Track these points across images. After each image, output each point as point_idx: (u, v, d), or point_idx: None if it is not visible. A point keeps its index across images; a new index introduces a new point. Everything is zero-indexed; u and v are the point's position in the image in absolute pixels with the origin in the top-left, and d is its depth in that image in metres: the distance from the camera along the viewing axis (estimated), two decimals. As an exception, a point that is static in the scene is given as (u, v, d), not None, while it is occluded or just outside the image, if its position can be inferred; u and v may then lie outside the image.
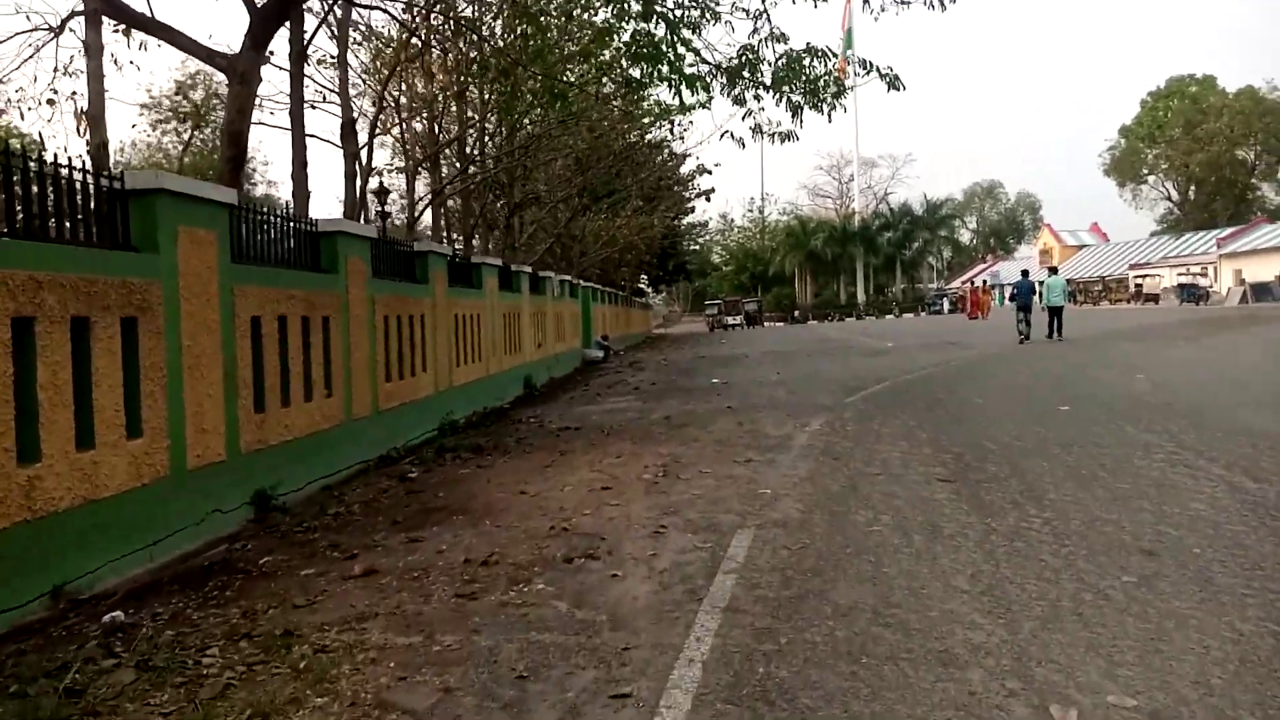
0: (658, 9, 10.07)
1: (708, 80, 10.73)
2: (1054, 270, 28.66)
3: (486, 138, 21.26)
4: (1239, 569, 4.68)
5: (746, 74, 10.49)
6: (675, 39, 10.09)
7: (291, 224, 9.20)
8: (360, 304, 10.16)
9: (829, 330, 43.94)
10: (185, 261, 6.86)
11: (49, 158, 5.62)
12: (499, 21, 15.76)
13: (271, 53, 13.91)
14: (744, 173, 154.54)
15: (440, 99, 17.29)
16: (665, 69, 9.99)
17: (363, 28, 17.12)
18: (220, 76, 13.14)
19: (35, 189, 5.42)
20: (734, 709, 3.38)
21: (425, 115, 18.72)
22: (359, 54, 17.88)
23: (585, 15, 14.70)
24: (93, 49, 13.07)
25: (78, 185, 5.75)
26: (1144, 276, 62.94)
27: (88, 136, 13.17)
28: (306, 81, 15.94)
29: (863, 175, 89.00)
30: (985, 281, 62.69)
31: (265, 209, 9.00)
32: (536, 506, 6.92)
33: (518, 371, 17.96)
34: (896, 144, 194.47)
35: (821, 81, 10.24)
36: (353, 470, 9.46)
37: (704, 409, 12.83)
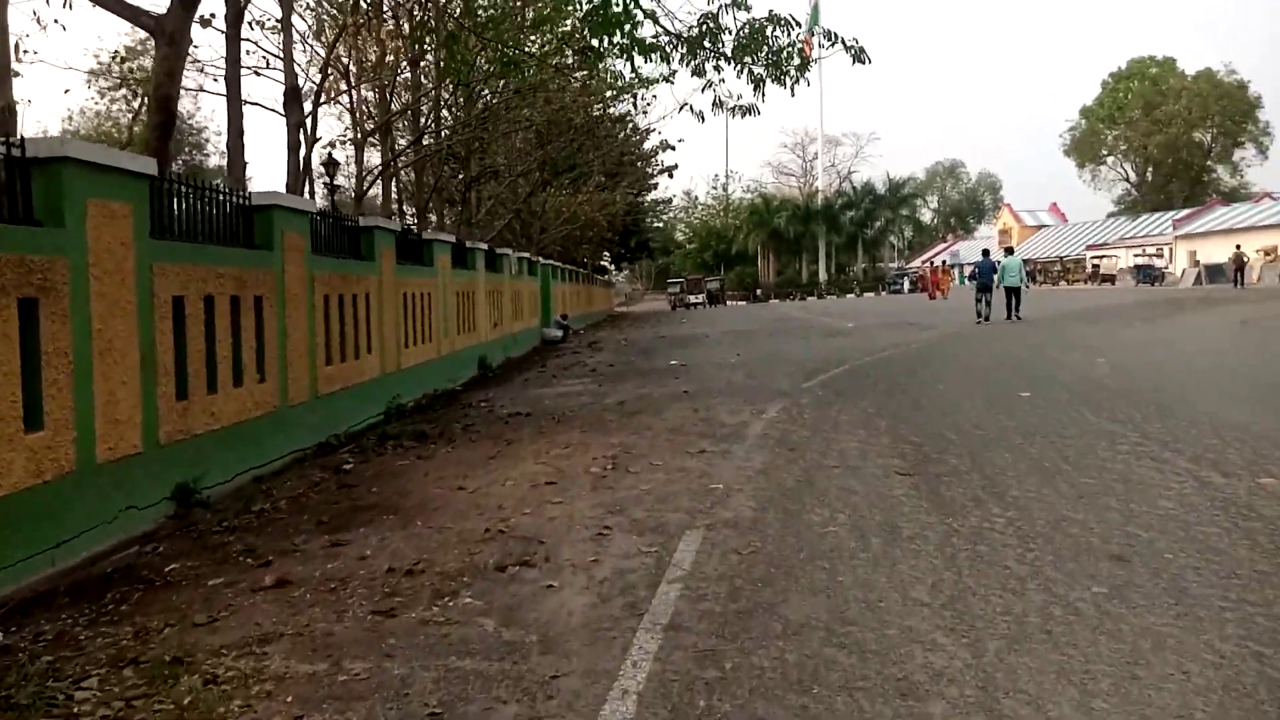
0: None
1: (667, 50, 10.26)
2: (1010, 251, 28.62)
3: (443, 108, 20.58)
4: (1214, 577, 4.40)
5: (707, 44, 10.03)
6: (634, 4, 9.60)
7: (221, 196, 8.62)
8: (298, 282, 9.62)
9: (791, 309, 43.76)
10: (96, 237, 6.30)
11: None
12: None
13: (212, 15, 13.20)
14: (709, 150, 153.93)
15: (391, 65, 16.59)
16: (620, 37, 9.52)
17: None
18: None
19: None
20: (669, 753, 3.02)
21: (375, 83, 17.99)
22: (306, 18, 17.11)
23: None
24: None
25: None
26: (1101, 257, 63.56)
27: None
28: (250, 47, 15.23)
29: (827, 153, 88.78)
30: (945, 261, 62.96)
31: (194, 180, 8.43)
32: (474, 504, 6.49)
33: (471, 352, 17.45)
34: (861, 122, 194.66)
35: (785, 53, 9.82)
36: (288, 460, 8.96)
37: (660, 393, 12.45)
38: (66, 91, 36.60)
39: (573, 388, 14.04)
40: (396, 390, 12.32)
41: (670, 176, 36.68)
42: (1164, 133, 75.47)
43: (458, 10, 11.32)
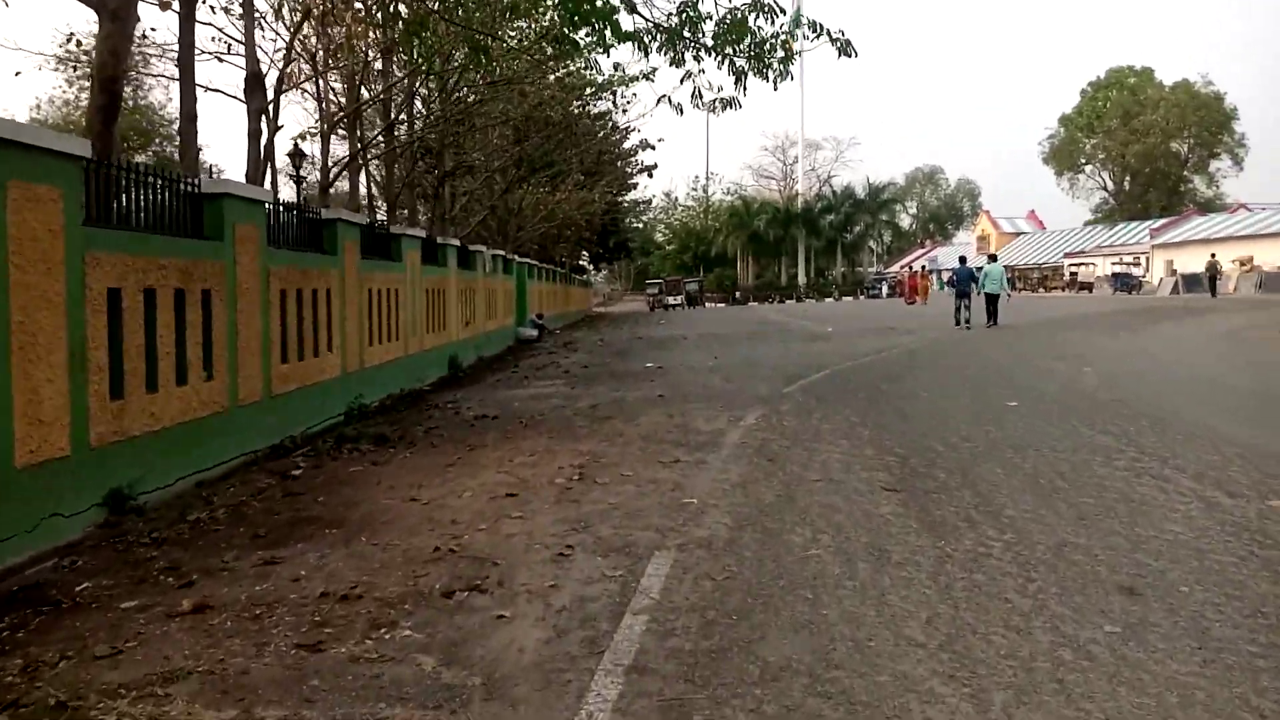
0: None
1: (645, 40, 9.78)
2: (993, 258, 28.38)
3: (416, 100, 19.98)
4: (1238, 616, 3.97)
5: (687, 33, 9.55)
6: None
7: (167, 183, 8.05)
8: (251, 275, 9.06)
9: (769, 312, 43.37)
10: (18, 223, 5.75)
11: None
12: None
13: (168, -7, 12.56)
14: (689, 151, 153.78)
15: (360, 53, 15.97)
16: (595, 30, 9.03)
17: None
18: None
19: None
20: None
21: (343, 70, 17.35)
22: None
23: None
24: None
25: None
26: (1079, 265, 63.75)
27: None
28: (212, 31, 14.61)
29: (807, 157, 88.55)
30: (924, 267, 62.82)
31: (138, 166, 7.86)
32: (426, 518, 5.96)
33: (441, 352, 16.89)
34: (841, 126, 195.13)
35: (768, 45, 9.36)
36: (236, 463, 8.40)
37: (634, 397, 11.96)
38: (18, 74, 35.40)
39: (544, 390, 13.52)
40: (359, 390, 11.77)
41: (650, 176, 36.38)
42: (1142, 142, 75.89)
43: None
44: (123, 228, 7.22)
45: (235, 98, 14.72)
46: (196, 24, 11.55)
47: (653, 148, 30.39)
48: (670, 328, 31.21)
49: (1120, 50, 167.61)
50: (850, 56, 9.27)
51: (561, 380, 14.79)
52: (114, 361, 6.79)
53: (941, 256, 79.93)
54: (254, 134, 13.41)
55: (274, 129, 14.18)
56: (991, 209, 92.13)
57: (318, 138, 18.26)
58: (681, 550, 5.11)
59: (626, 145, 33.89)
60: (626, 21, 9.42)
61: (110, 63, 9.13)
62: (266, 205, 9.75)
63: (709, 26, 9.25)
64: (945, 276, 48.41)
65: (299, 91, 18.48)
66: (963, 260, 27.80)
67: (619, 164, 36.66)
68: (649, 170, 35.03)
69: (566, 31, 10.35)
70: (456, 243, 18.92)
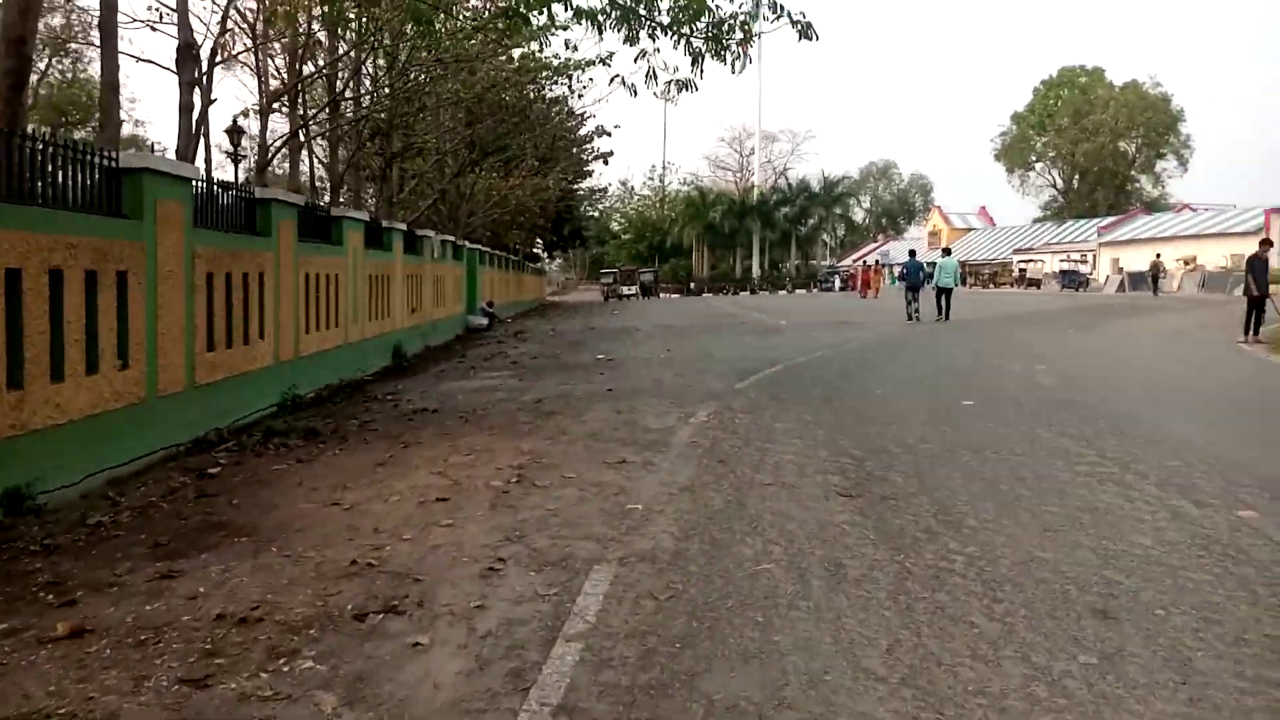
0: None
1: (599, 18, 9.32)
2: (947, 252, 28.40)
3: (363, 77, 19.25)
4: (1219, 644, 3.68)
5: (643, 10, 9.12)
6: None
7: (79, 156, 7.44)
8: (174, 257, 8.46)
9: (724, 304, 43.14)
10: (-105, 195, 5.17)
11: None
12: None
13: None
14: (646, 141, 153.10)
15: (301, 25, 15.24)
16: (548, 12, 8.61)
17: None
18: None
19: None
20: None
21: (284, 44, 16.60)
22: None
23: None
24: None
25: None
26: (1028, 261, 64.60)
27: None
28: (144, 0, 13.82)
29: (763, 149, 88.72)
30: (876, 261, 63.16)
31: (47, 137, 7.23)
32: (347, 525, 5.48)
33: (385, 340, 16.28)
34: (798, 119, 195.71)
35: (726, 25, 8.97)
36: (155, 458, 7.83)
37: (582, 390, 11.54)
38: None
39: (489, 381, 13.03)
40: (293, 380, 11.19)
41: (606, 163, 35.54)
42: (1091, 141, 77.03)
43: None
44: (26, 202, 6.62)
45: (167, 69, 13.96)
46: (121, -12, 10.86)
47: (609, 134, 29.82)
48: (624, 318, 30.80)
49: (1072, 49, 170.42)
50: (811, 40, 8.92)
51: (508, 372, 14.31)
52: (12, 348, 6.21)
53: (894, 251, 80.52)
54: (186, 108, 12.70)
55: (207, 103, 13.45)
56: (944, 204, 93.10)
57: (259, 115, 17.50)
58: (622, 564, 4.71)
59: (582, 131, 33.33)
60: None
61: (17, 22, 8.41)
62: (194, 182, 9.14)
63: (665, 3, 8.83)
64: (896, 271, 48.60)
65: (239, 66, 17.68)
66: (912, 254, 27.81)
67: (575, 150, 36.05)
68: (605, 157, 34.41)
69: (516, 5, 9.86)
70: (403, 227, 18.27)
